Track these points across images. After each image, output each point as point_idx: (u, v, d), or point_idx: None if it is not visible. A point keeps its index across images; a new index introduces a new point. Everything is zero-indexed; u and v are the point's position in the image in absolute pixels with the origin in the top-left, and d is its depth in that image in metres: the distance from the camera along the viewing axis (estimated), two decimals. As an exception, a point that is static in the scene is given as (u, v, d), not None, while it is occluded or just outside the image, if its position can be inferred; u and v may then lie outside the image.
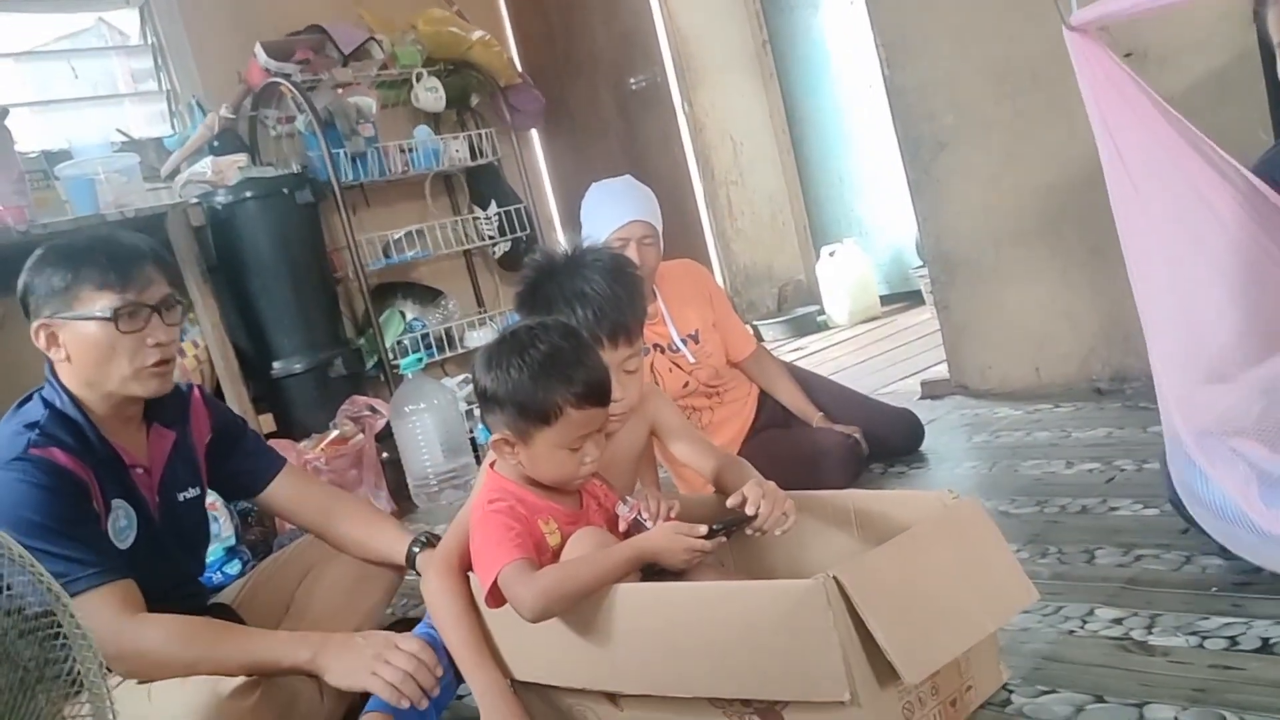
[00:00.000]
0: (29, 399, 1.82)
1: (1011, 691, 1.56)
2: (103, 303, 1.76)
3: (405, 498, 3.72)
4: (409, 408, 3.68)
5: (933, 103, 3.23)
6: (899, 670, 1.31)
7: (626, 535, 1.64)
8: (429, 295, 4.59)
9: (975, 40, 3.11)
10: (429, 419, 3.67)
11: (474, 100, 4.89)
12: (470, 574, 1.68)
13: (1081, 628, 1.70)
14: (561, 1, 5.21)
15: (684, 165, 5.24)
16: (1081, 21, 1.59)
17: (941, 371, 3.54)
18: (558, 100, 5.21)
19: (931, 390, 3.50)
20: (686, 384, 2.82)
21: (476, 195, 4.86)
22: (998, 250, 3.23)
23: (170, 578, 1.86)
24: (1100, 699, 1.48)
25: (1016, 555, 1.57)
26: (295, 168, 4.09)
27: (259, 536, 3.17)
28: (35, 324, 1.80)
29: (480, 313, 4.81)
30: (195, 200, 3.85)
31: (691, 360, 2.80)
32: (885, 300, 5.48)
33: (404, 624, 2.03)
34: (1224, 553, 1.78)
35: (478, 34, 4.74)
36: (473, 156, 4.71)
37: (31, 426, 1.73)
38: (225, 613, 2.00)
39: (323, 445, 3.56)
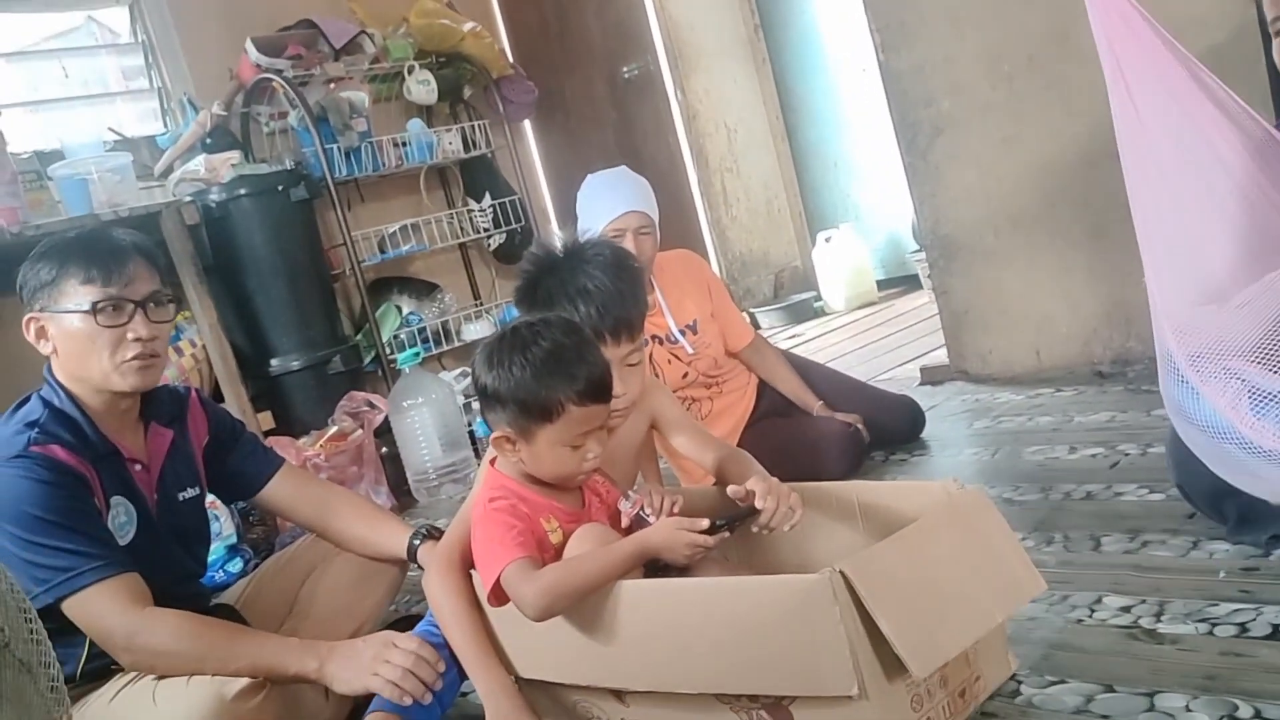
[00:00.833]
0: (27, 400, 1.83)
1: (1020, 681, 1.55)
2: (85, 296, 1.78)
3: (405, 492, 3.72)
4: (407, 402, 3.67)
5: (929, 87, 3.21)
6: (907, 664, 1.30)
7: (629, 531, 1.62)
8: (425, 289, 4.57)
9: (971, 23, 3.09)
10: (427, 413, 3.66)
11: (467, 92, 4.87)
12: (473, 572, 1.67)
13: (1090, 616, 1.69)
14: (552, -9, 5.18)
15: (678, 153, 5.21)
16: None
17: (941, 357, 3.52)
18: (550, 91, 5.18)
19: (931, 376, 3.49)
20: (685, 375, 2.80)
21: (471, 188, 4.84)
22: (996, 234, 3.21)
23: (170, 575, 1.85)
24: (1110, 688, 1.47)
25: (1022, 543, 1.56)
26: (289, 164, 4.08)
27: (261, 535, 3.17)
28: (25, 316, 1.83)
29: (476, 305, 4.79)
30: (189, 198, 3.82)
31: (690, 351, 2.79)
32: (882, 285, 5.47)
33: (406, 621, 2.02)
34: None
35: (469, 26, 4.72)
36: (466, 149, 4.68)
37: (31, 425, 1.75)
38: (229, 614, 2.00)
39: (322, 442, 3.55)
